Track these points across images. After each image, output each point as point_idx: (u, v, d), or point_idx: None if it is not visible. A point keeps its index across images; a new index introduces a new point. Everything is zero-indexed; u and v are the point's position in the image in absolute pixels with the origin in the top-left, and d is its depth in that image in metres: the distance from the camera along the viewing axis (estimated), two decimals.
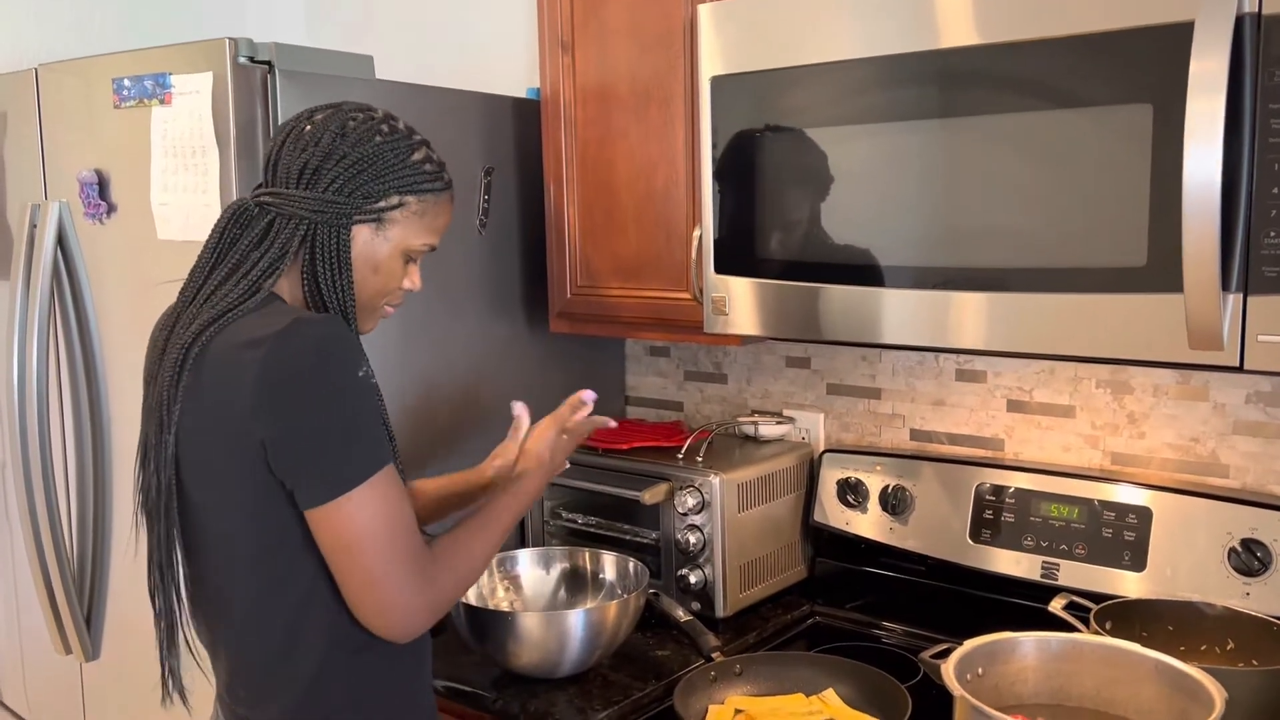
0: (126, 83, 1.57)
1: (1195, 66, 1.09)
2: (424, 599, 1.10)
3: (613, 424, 1.47)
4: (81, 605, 1.82)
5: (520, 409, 1.51)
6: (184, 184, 1.52)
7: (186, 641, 1.22)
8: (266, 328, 1.07)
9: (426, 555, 1.11)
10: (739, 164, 1.50)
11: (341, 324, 1.12)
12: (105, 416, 1.76)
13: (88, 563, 1.82)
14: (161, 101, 1.52)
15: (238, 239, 1.16)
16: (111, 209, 1.66)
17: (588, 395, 1.45)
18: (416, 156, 1.19)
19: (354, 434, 1.07)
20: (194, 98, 1.48)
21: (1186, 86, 1.09)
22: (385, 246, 1.19)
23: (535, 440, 1.42)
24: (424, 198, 1.20)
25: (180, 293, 1.18)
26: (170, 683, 1.23)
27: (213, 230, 1.18)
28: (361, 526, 1.06)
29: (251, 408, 1.05)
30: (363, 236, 1.17)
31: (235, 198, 1.47)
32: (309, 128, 1.17)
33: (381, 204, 1.17)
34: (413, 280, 1.25)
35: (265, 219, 1.15)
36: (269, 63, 1.49)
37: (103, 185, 1.67)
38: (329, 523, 1.07)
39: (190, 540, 1.18)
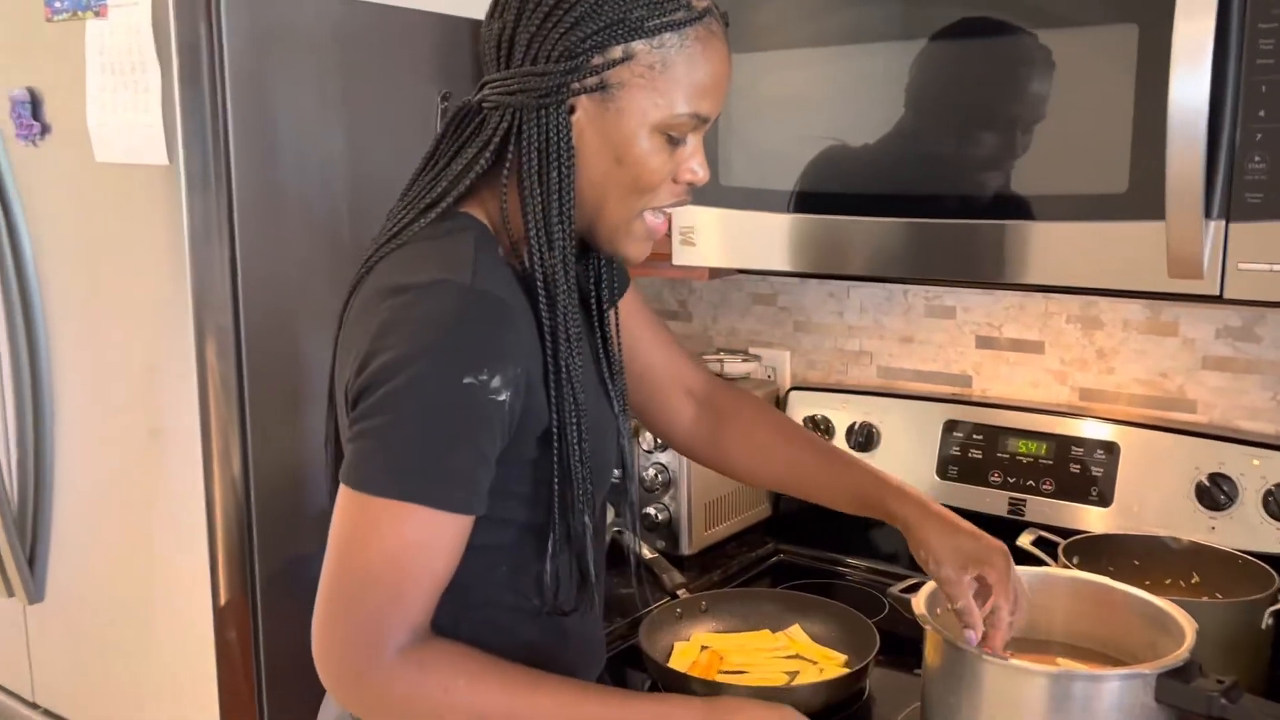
0: None
1: None
2: (362, 679, 0.83)
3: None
4: (23, 545, 1.75)
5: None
6: (123, 103, 1.43)
7: None
8: (420, 274, 0.86)
9: (412, 636, 0.83)
10: None
11: (495, 305, 0.85)
12: (44, 351, 1.68)
13: (29, 501, 1.75)
14: (96, 14, 1.43)
15: (450, 146, 0.93)
16: (46, 130, 1.57)
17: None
18: None
19: (424, 439, 0.83)
20: (131, 9, 1.39)
21: (1174, 6, 1.06)
22: (622, 123, 0.87)
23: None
24: (662, 39, 0.86)
25: (391, 210, 0.98)
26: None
27: (435, 139, 0.97)
28: (366, 542, 0.83)
29: (362, 343, 0.86)
30: (587, 114, 0.87)
31: (180, 118, 1.39)
32: None
33: (598, 60, 0.85)
34: (691, 167, 0.90)
35: (479, 117, 0.91)
36: None
37: (36, 104, 1.57)
38: (346, 509, 0.85)
39: None
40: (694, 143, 0.91)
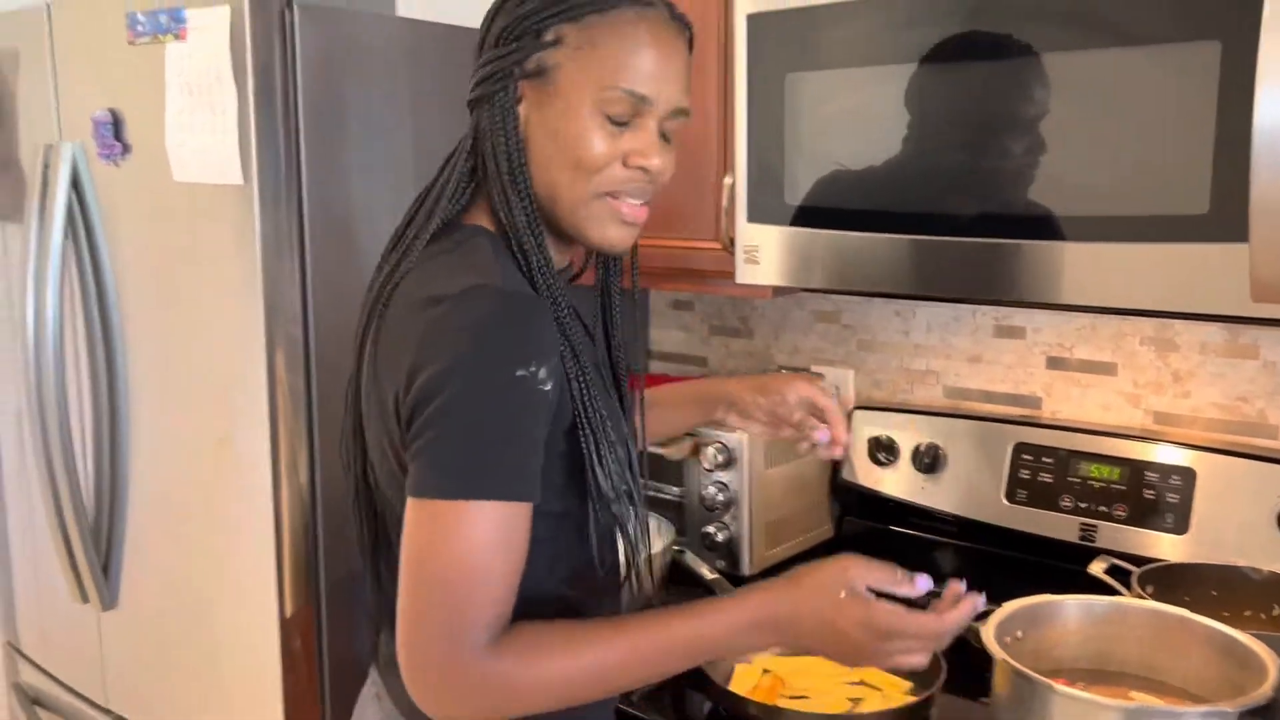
0: (140, 18, 1.52)
1: (1270, 1, 1.02)
2: (467, 680, 0.85)
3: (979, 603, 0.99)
4: (98, 554, 1.80)
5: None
6: (201, 124, 1.47)
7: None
8: (451, 284, 0.88)
9: (491, 638, 0.85)
10: (774, 107, 1.43)
11: (527, 303, 0.89)
12: (120, 361, 1.73)
13: (105, 511, 1.80)
14: (177, 37, 1.47)
15: (456, 160, 0.98)
16: (127, 150, 1.62)
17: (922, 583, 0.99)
18: None
19: (487, 437, 0.85)
20: (210, 33, 1.43)
21: (1260, 22, 1.03)
22: (559, 103, 0.91)
23: (823, 597, 0.93)
24: (589, 20, 0.90)
25: (398, 226, 1.02)
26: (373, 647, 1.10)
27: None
28: (442, 547, 0.85)
29: (409, 357, 0.88)
30: (530, 102, 0.92)
31: (255, 138, 1.43)
32: None
33: (532, 45, 0.90)
34: (639, 146, 0.92)
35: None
36: None
37: (117, 125, 1.62)
38: (417, 521, 0.87)
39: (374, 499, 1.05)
40: (644, 128, 0.94)
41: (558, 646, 0.87)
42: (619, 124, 0.93)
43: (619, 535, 1.00)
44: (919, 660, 0.94)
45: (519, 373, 0.85)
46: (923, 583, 0.96)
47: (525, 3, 0.92)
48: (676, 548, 1.59)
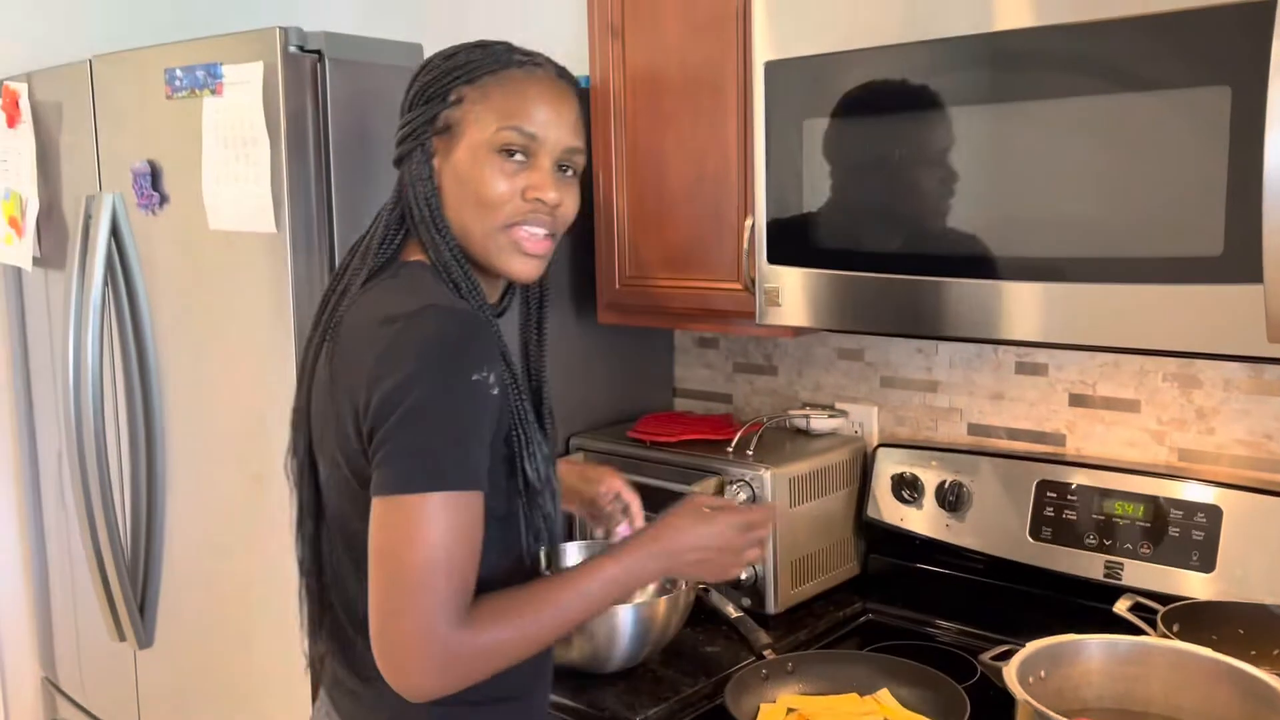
0: (178, 73, 1.58)
1: (1279, 46, 1.04)
2: (434, 663, 0.95)
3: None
4: (135, 593, 1.83)
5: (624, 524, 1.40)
6: (235, 174, 1.52)
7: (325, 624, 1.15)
8: (402, 306, 1.00)
9: (463, 615, 0.96)
10: (793, 151, 1.46)
11: (475, 320, 1.01)
12: (157, 404, 1.77)
13: (141, 551, 1.83)
14: (213, 92, 1.52)
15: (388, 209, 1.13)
16: (164, 199, 1.67)
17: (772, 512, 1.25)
18: (479, 51, 1.08)
19: (445, 436, 0.96)
20: (245, 88, 1.48)
21: (1269, 68, 1.04)
22: (461, 149, 1.06)
23: (686, 513, 1.16)
24: (481, 82, 1.06)
25: (336, 267, 1.17)
26: (317, 669, 1.20)
27: None
28: (408, 538, 0.94)
29: (367, 375, 0.98)
30: (441, 155, 1.07)
31: (287, 187, 1.47)
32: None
33: (440, 106, 1.06)
34: (534, 182, 1.06)
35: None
36: (319, 52, 1.49)
37: (155, 176, 1.67)
38: (383, 517, 0.97)
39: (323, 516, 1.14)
40: (539, 166, 1.07)
41: (514, 609, 1.00)
42: (516, 162, 1.06)
43: (542, 529, 1.10)
44: (755, 552, 1.18)
45: (474, 377, 0.97)
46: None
47: (430, 71, 1.08)
48: (701, 586, 1.60)
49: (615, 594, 1.08)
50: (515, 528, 1.09)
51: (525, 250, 1.08)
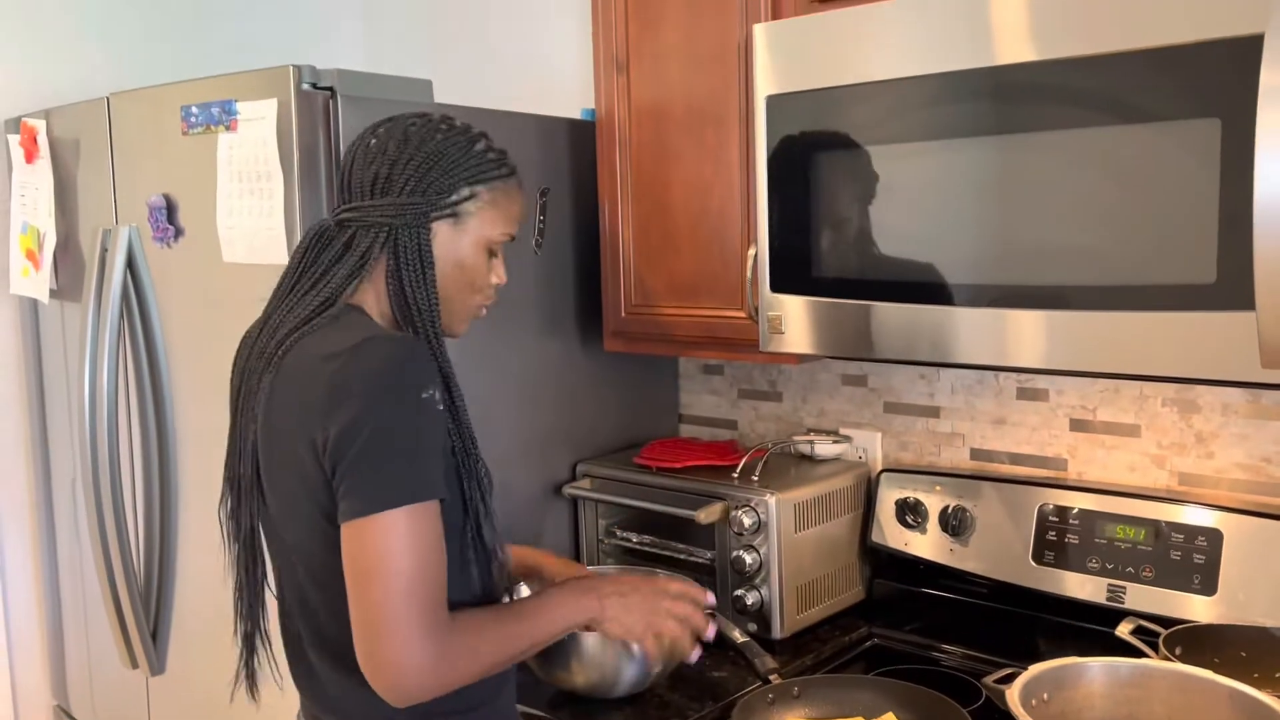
0: (194, 110, 1.61)
1: (1266, 79, 1.06)
2: (429, 662, 1.02)
3: (707, 636, 1.32)
4: (148, 620, 1.85)
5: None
6: (249, 208, 1.55)
7: (264, 647, 1.27)
8: (344, 342, 1.08)
9: (446, 618, 1.05)
10: (794, 182, 1.49)
11: (416, 345, 1.11)
12: (171, 435, 1.80)
13: (154, 579, 1.85)
14: (228, 128, 1.56)
15: (319, 257, 1.19)
16: (179, 233, 1.71)
17: (710, 598, 1.34)
18: (479, 147, 1.21)
19: (403, 454, 1.04)
20: (259, 124, 1.52)
21: (1257, 100, 1.07)
22: (466, 240, 1.20)
23: (619, 584, 1.26)
24: (493, 186, 1.21)
25: (264, 310, 1.22)
26: (248, 685, 1.29)
27: (294, 251, 1.22)
28: (385, 553, 1.02)
29: (320, 413, 1.06)
30: (443, 234, 1.19)
31: (300, 221, 1.50)
32: (374, 141, 1.20)
33: (454, 198, 1.18)
34: (498, 274, 1.25)
35: (346, 234, 1.18)
36: (331, 88, 1.52)
37: (171, 210, 1.71)
38: (357, 540, 1.03)
39: (272, 549, 1.21)
40: (501, 257, 1.25)
41: (489, 622, 1.11)
42: (493, 255, 1.24)
43: (485, 536, 1.18)
44: (672, 626, 1.26)
45: (424, 395, 1.06)
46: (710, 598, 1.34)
47: (443, 159, 1.18)
48: (707, 611, 1.61)
49: (564, 629, 1.19)
50: (456, 540, 1.15)
51: (477, 317, 1.27)
